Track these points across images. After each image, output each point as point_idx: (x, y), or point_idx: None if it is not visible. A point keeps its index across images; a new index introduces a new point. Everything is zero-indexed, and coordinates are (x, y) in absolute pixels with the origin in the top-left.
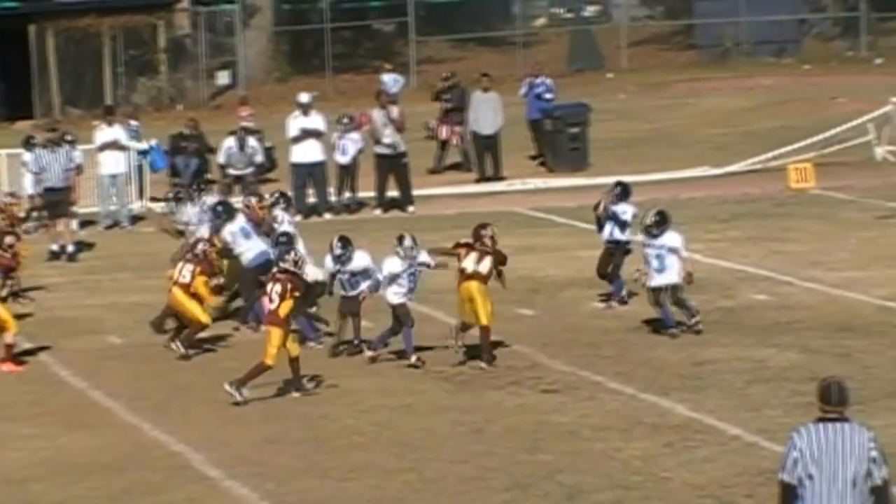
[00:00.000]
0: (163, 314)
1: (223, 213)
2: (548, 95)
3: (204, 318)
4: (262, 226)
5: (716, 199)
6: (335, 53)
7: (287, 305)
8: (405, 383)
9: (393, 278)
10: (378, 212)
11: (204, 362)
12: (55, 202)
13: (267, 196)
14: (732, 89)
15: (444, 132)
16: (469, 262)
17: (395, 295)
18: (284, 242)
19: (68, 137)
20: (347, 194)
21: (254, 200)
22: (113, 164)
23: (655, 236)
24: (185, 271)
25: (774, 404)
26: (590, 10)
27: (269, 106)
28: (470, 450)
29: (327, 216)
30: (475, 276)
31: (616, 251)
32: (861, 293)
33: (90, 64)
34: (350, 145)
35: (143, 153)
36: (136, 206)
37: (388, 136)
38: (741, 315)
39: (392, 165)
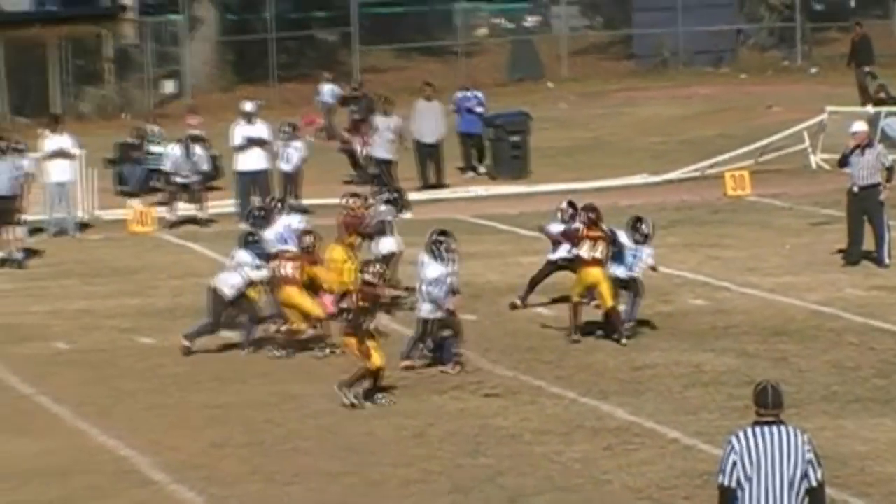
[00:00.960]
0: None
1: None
2: (478, 109)
3: (318, 310)
4: (363, 226)
5: (654, 207)
6: (280, 63)
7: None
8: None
9: (433, 284)
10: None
11: (148, 368)
12: (2, 210)
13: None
14: (670, 98)
15: (358, 143)
16: (585, 250)
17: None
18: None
19: (16, 146)
20: (292, 201)
21: (352, 201)
22: (60, 171)
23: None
24: (288, 268)
25: (712, 408)
26: (530, 21)
27: (215, 114)
28: (412, 453)
29: None
30: (595, 262)
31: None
32: (796, 298)
33: (37, 73)
34: (293, 153)
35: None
36: (83, 213)
37: (386, 142)
38: (679, 320)
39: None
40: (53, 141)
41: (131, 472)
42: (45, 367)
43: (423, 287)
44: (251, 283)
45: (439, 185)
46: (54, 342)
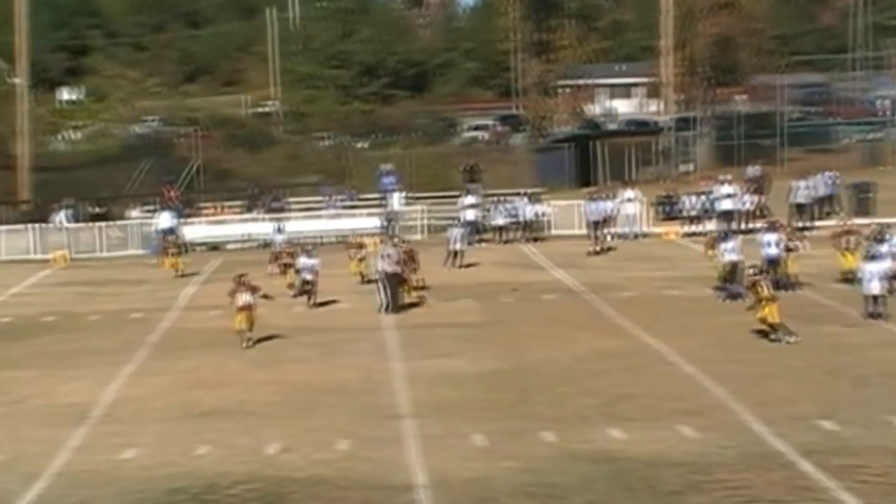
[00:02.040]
0: None
1: None
2: (836, 181)
3: None
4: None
5: None
6: (742, 155)
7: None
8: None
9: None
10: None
11: (671, 305)
12: (600, 221)
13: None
14: None
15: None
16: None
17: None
18: None
19: (603, 196)
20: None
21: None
22: (630, 208)
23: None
24: None
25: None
26: (873, 135)
27: (709, 179)
28: (773, 350)
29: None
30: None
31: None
32: None
33: (620, 160)
34: (747, 200)
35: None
36: (642, 228)
37: (799, 195)
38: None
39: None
40: (626, 193)
41: (660, 357)
42: (620, 304)
43: None
44: None
45: (821, 217)
46: (625, 292)
